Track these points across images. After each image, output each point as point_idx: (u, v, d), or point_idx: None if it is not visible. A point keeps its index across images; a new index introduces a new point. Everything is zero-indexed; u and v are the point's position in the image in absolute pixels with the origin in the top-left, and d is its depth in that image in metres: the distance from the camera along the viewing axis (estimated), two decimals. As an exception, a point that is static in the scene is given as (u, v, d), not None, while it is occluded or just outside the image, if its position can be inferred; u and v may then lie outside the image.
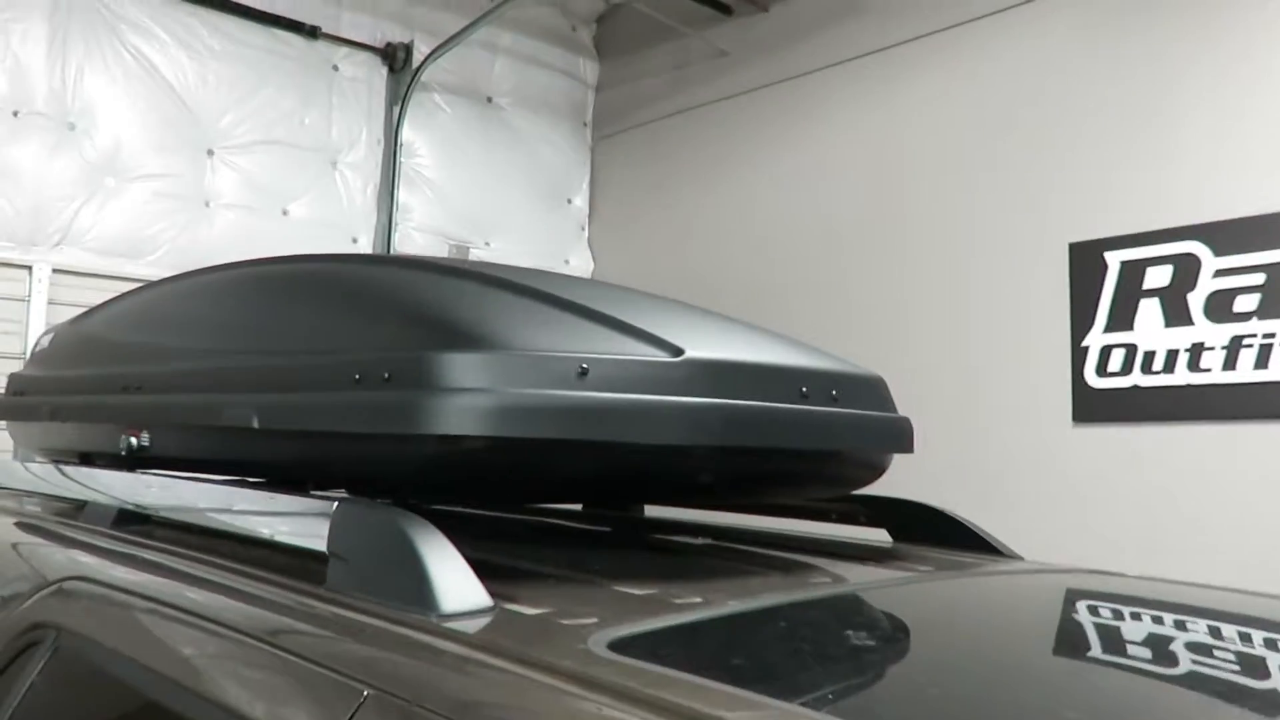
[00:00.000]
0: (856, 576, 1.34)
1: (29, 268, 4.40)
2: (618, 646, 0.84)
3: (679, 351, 1.23)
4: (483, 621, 0.94)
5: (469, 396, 1.15)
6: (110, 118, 4.65)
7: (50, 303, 4.43)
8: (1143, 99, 4.05)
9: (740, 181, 5.58)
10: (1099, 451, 4.01)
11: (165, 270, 4.62)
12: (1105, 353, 4.01)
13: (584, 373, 1.17)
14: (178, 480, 1.68)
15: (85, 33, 4.58)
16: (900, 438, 1.44)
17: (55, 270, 4.46)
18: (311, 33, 5.23)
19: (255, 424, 1.43)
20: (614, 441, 1.16)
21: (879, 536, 1.74)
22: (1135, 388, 3.91)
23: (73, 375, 2.13)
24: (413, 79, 5.44)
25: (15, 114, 4.41)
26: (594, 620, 0.94)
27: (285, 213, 5.17)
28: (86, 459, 2.08)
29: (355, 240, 5.42)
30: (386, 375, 1.23)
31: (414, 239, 5.58)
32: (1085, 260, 4.10)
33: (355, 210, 5.42)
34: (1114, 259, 4.01)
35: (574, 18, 6.34)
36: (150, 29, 4.76)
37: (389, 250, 5.45)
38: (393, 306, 1.35)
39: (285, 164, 5.15)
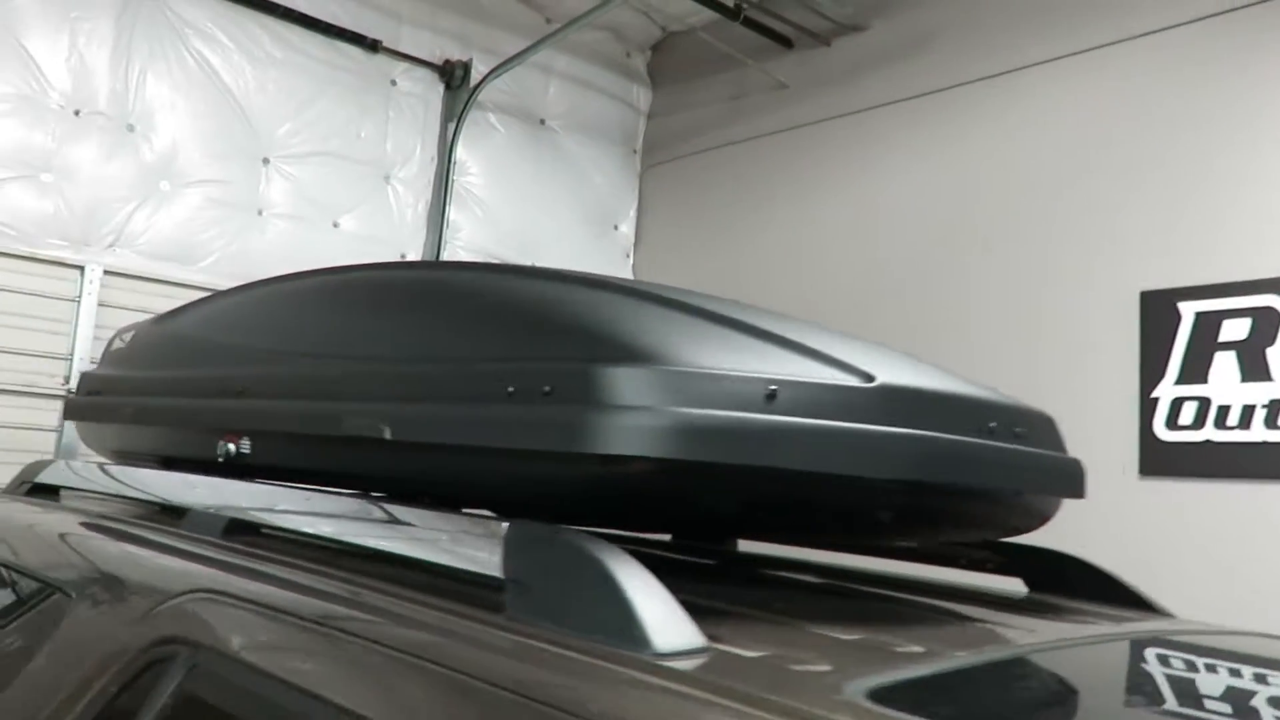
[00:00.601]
0: (1054, 630, 1.25)
1: (81, 268, 4.34)
2: (881, 697, 0.75)
3: (870, 378, 1.15)
4: (702, 661, 0.85)
5: (642, 415, 1.06)
6: (169, 121, 4.62)
7: (100, 305, 4.37)
8: (1221, 146, 3.98)
9: (794, 217, 5.52)
10: (1165, 506, 3.90)
11: (217, 278, 4.58)
12: (1176, 405, 3.91)
13: (772, 395, 1.09)
14: (281, 489, 1.60)
15: (150, 35, 4.56)
16: (1076, 481, 1.35)
17: (107, 272, 4.41)
18: (372, 46, 5.21)
19: (386, 435, 1.36)
20: (801, 471, 1.07)
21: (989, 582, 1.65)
22: (1207, 442, 3.81)
23: (160, 376, 2.05)
24: (470, 97, 5.41)
25: (76, 113, 4.38)
26: (829, 667, 0.85)
27: (336, 225, 5.12)
28: (170, 463, 2.00)
29: (404, 256, 5.37)
30: (547, 389, 1.15)
31: (460, 258, 5.52)
32: (1158, 310, 4.01)
33: (405, 226, 5.37)
34: (1189, 309, 3.92)
35: (629, 44, 6.32)
36: (214, 35, 4.74)
37: (437, 268, 5.39)
38: (556, 318, 1.27)
39: (339, 176, 5.11)
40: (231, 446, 1.76)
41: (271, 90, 4.90)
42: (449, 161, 5.46)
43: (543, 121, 5.95)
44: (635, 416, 1.07)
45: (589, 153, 6.12)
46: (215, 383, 1.84)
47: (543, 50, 5.52)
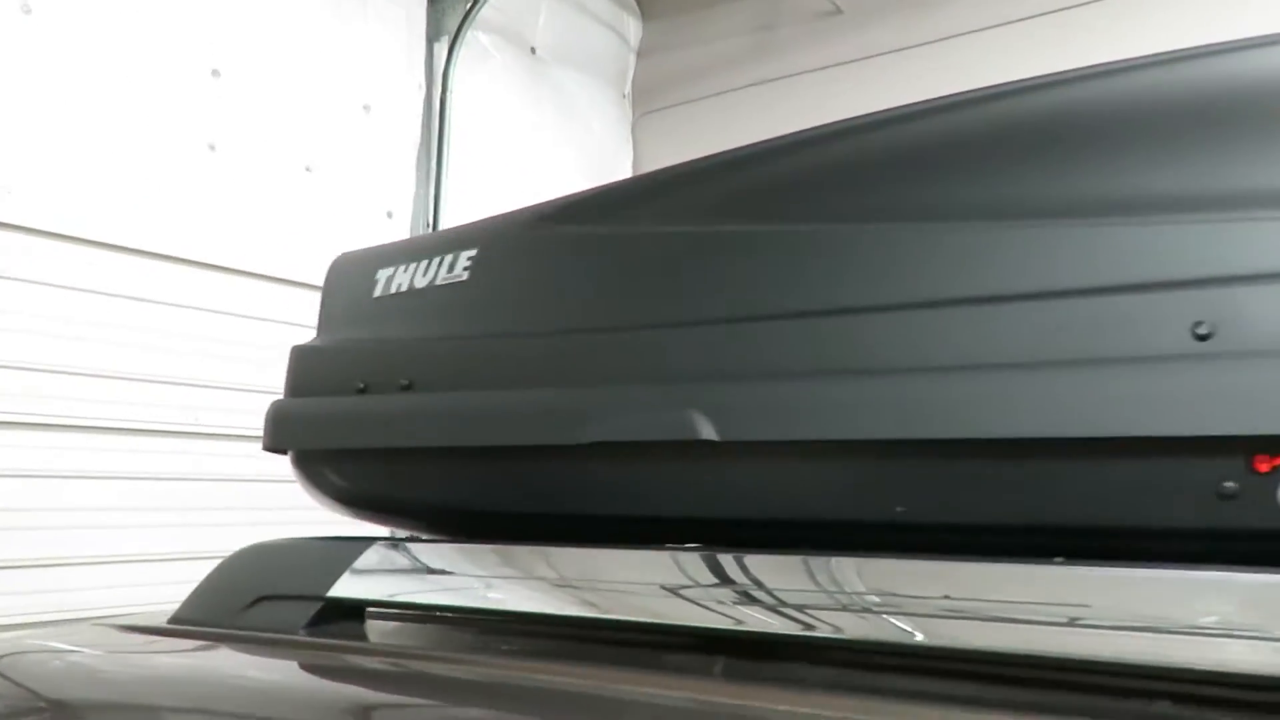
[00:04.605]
0: None
1: (-35, 222, 2.81)
2: None
3: None
4: None
5: None
6: (80, 15, 3.11)
7: (1, 277, 2.85)
8: None
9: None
10: None
11: (161, 235, 3.20)
12: None
13: None
14: None
15: (53, -126, 3.04)
16: None
17: (2, 225, 2.89)
18: (343, -69, 3.86)
19: None
20: None
21: None
22: None
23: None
24: (471, 8, 4.15)
25: (-55, -19, 2.82)
26: None
27: (308, 169, 3.74)
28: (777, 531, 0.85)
29: (390, 215, 4.05)
30: None
31: (456, 213, 4.26)
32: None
33: (390, 171, 4.06)
34: None
35: (618, -37, 5.23)
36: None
37: (434, 228, 4.10)
38: None
39: (309, 106, 3.74)
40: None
41: (224, -25, 3.47)
42: (444, 90, 4.18)
43: (533, 50, 4.76)
44: None
45: (585, 92, 4.99)
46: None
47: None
